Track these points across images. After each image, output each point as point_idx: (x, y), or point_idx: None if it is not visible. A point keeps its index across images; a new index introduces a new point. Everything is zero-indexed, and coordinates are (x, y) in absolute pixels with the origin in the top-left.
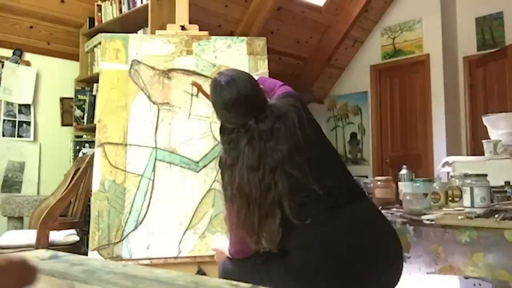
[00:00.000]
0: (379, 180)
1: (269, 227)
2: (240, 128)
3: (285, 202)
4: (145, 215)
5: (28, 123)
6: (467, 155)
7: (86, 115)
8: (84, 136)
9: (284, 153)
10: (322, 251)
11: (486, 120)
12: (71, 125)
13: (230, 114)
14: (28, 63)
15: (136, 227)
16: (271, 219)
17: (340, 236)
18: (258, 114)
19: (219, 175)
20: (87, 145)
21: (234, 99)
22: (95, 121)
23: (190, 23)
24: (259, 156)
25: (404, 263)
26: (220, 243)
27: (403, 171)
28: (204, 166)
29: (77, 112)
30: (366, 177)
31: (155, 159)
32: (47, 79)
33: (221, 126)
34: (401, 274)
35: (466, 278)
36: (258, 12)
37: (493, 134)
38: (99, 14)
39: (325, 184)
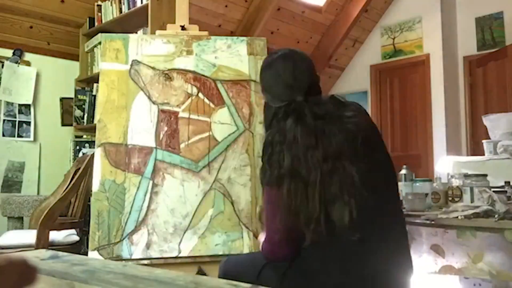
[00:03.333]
0: None
1: (339, 212)
2: (288, 104)
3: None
4: (145, 215)
5: (28, 123)
6: (467, 155)
7: (86, 115)
8: (84, 136)
9: (345, 143)
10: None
11: (486, 120)
12: (71, 125)
13: (279, 85)
14: (28, 63)
15: (136, 227)
16: (340, 205)
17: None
18: (309, 93)
19: (219, 175)
20: (87, 145)
21: (288, 69)
22: (95, 121)
23: (190, 23)
24: (315, 135)
25: None
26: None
27: (403, 171)
28: (204, 166)
29: (77, 112)
30: None
31: (155, 159)
32: (47, 79)
33: (265, 106)
34: None
35: (466, 278)
36: (258, 12)
37: (493, 134)
38: (99, 14)
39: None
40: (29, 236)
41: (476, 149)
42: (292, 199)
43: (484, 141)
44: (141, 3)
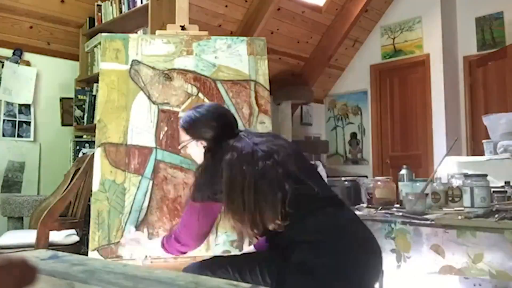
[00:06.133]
0: (379, 180)
1: (270, 207)
2: (227, 135)
3: (287, 184)
4: (145, 215)
5: (28, 123)
6: (467, 155)
7: (86, 115)
8: (84, 136)
9: (280, 146)
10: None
11: (486, 120)
12: (71, 125)
13: (219, 121)
14: (28, 63)
15: (136, 227)
16: (272, 200)
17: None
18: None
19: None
20: (87, 145)
21: (221, 112)
22: (95, 121)
23: (190, 23)
24: (252, 146)
25: (404, 263)
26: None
27: (403, 171)
28: None
29: (77, 112)
30: (366, 177)
31: (155, 159)
32: (47, 79)
33: (208, 150)
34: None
35: (466, 278)
36: (258, 12)
37: (493, 134)
38: (99, 14)
39: (318, 184)
40: (29, 236)
41: (476, 149)
42: (231, 203)
43: (484, 141)
44: (141, 3)
